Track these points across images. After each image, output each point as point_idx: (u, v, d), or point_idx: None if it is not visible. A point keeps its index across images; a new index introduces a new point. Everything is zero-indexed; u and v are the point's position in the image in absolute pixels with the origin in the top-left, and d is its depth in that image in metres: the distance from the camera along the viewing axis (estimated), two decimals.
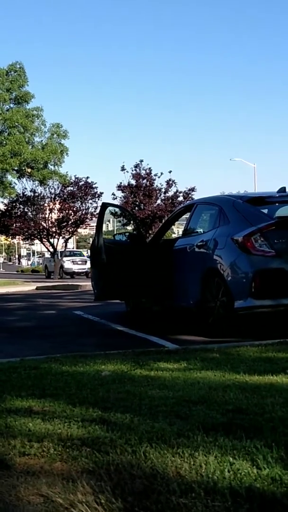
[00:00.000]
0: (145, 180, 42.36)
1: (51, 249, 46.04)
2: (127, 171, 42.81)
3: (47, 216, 45.04)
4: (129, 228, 44.65)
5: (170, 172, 43.93)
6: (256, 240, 7.88)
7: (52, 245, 45.73)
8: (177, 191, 42.90)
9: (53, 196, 45.14)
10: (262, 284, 7.77)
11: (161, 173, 43.13)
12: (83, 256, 51.75)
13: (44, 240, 45.92)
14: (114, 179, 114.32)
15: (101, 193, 45.65)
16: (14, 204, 44.96)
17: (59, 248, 46.76)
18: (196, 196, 42.07)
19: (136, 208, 42.00)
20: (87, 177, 45.39)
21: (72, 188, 44.89)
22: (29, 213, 44.87)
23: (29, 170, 40.13)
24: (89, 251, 19.08)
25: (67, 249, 48.87)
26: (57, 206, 45.10)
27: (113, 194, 43.62)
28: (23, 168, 39.93)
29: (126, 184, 42.57)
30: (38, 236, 45.75)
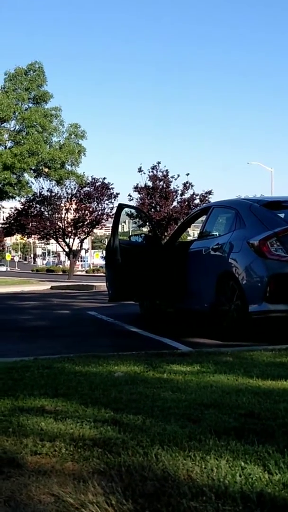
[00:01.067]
0: (161, 182, 42.38)
1: (67, 249, 46.13)
2: (144, 173, 42.87)
3: (63, 216, 45.21)
4: (145, 229, 44.66)
5: (187, 174, 44.17)
6: (272, 244, 7.86)
7: (67, 245, 45.85)
8: (193, 193, 42.92)
9: (69, 196, 45.33)
10: (277, 289, 7.75)
11: (178, 175, 43.19)
12: None
13: (59, 240, 46.05)
14: (131, 180, 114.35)
15: (118, 194, 45.84)
16: (30, 203, 45.19)
17: (74, 248, 46.83)
18: (213, 199, 42.06)
19: (152, 209, 42.04)
20: (104, 178, 45.61)
21: (88, 189, 45.05)
22: (45, 213, 45.08)
23: (46, 169, 40.33)
24: (104, 251, 19.09)
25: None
26: (73, 206, 45.26)
27: (129, 195, 43.74)
28: (41, 167, 40.13)
29: (143, 186, 42.59)
30: (54, 236, 45.92)
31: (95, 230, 53.57)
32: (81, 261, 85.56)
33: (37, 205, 45.53)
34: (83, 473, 2.79)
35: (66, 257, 48.71)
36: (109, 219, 44.67)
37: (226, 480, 2.64)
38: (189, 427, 3.44)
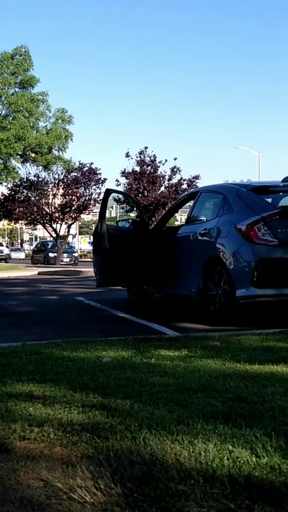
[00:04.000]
0: (149, 167, 42.31)
1: (54, 234, 46.03)
2: (132, 158, 42.79)
3: (50, 201, 45.07)
4: (132, 214, 44.67)
5: (175, 159, 43.99)
6: (260, 229, 7.87)
7: (54, 230, 45.74)
8: (181, 178, 42.90)
9: (56, 181, 45.16)
10: (264, 273, 7.76)
11: (166, 160, 43.17)
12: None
13: (47, 225, 45.93)
14: (118, 165, 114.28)
15: (105, 179, 45.75)
16: (17, 188, 45.04)
17: (62, 233, 46.73)
18: (200, 184, 42.06)
19: (140, 195, 42.00)
20: (91, 163, 45.49)
21: (76, 174, 44.92)
22: (32, 198, 44.91)
23: (33, 155, 40.17)
24: (91, 237, 19.10)
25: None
26: (61, 191, 45.14)
27: (117, 180, 43.63)
28: (27, 153, 39.96)
29: (130, 171, 42.50)
30: (41, 221, 45.80)
31: (82, 216, 53.44)
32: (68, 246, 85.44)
33: (24, 191, 45.36)
34: (72, 458, 2.80)
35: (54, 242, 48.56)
36: (97, 204, 44.59)
37: (214, 463, 2.65)
38: (177, 412, 3.45)
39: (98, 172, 45.45)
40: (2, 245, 55.51)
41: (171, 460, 2.72)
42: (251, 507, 2.27)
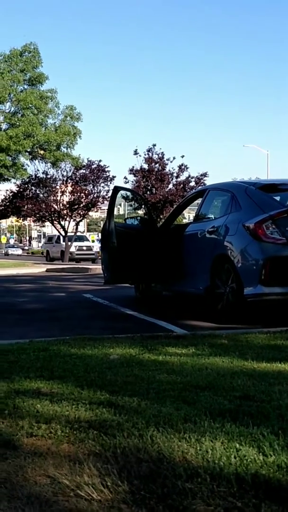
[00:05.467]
0: (157, 165, 42.23)
1: (62, 232, 46.04)
2: (140, 155, 42.71)
3: (58, 198, 45.02)
4: (140, 212, 44.61)
5: (182, 156, 43.84)
6: (268, 227, 7.86)
7: (63, 227, 45.74)
8: (189, 176, 42.78)
9: (65, 178, 45.12)
10: (272, 272, 7.75)
11: (174, 158, 43.01)
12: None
13: (55, 222, 45.93)
14: (127, 163, 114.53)
15: (113, 176, 45.62)
16: (26, 185, 45.01)
17: (70, 230, 46.72)
18: (208, 181, 41.98)
19: (148, 192, 41.92)
20: (100, 160, 45.35)
21: (84, 171, 44.85)
22: (41, 195, 44.89)
23: (41, 152, 40.18)
24: (100, 234, 19.09)
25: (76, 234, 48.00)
26: (69, 188, 45.06)
27: (125, 178, 43.48)
28: (36, 150, 39.98)
29: (138, 168, 42.44)
30: (49, 218, 45.76)
31: (90, 213, 53.40)
32: None
33: (33, 188, 45.33)
34: (79, 455, 2.81)
35: (62, 240, 48.50)
36: (105, 201, 44.48)
37: (221, 461, 2.65)
38: (184, 409, 3.45)
39: (106, 169, 45.38)
40: (87, 240, 50.52)
41: (178, 458, 2.72)
42: (258, 505, 2.27)
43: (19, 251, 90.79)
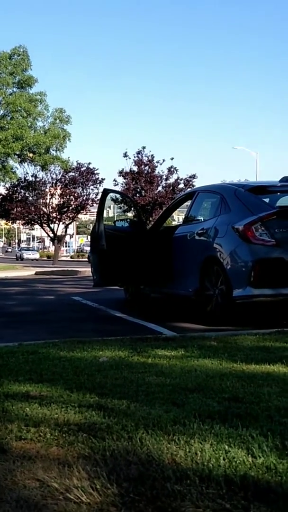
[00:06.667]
0: (146, 167, 42.32)
1: (51, 235, 46.02)
2: (130, 158, 42.79)
3: (48, 201, 45.06)
4: (130, 214, 44.66)
5: (172, 159, 44.02)
6: (257, 229, 7.87)
7: (52, 230, 45.73)
8: (178, 178, 42.89)
9: (54, 181, 45.17)
10: (262, 273, 7.77)
11: (163, 160, 43.23)
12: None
13: (44, 225, 45.91)
14: (116, 165, 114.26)
15: (103, 179, 45.78)
16: (15, 188, 45.02)
17: (59, 233, 46.72)
18: (197, 183, 42.08)
19: (137, 194, 41.99)
20: (89, 163, 45.50)
21: (73, 174, 44.91)
22: (30, 198, 44.89)
23: (30, 155, 40.15)
24: (89, 237, 19.06)
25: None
26: (58, 191, 45.15)
27: (114, 180, 43.65)
28: (25, 152, 39.93)
29: (128, 171, 42.50)
30: (39, 221, 45.79)
31: (80, 215, 53.52)
32: (66, 246, 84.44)
33: (22, 191, 45.34)
34: (68, 458, 2.80)
35: (51, 243, 48.51)
36: (94, 204, 44.58)
37: (210, 463, 2.66)
38: (174, 411, 3.45)
39: (95, 172, 45.48)
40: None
41: (167, 460, 2.72)
42: (246, 507, 2.27)
43: (36, 255, 75.87)
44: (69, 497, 2.39)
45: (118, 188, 41.49)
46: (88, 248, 43.84)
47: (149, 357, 5.27)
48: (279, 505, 2.29)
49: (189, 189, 34.52)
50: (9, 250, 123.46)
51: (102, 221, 9.67)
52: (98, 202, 10.91)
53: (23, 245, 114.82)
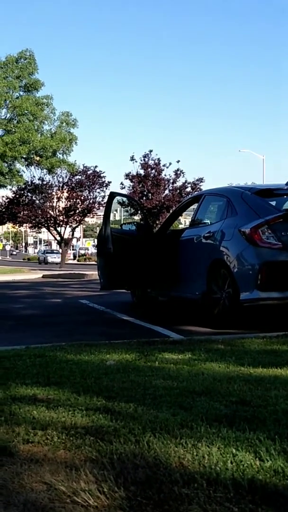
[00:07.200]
0: (153, 170, 42.31)
1: (58, 238, 46.06)
2: (136, 161, 42.79)
3: (54, 204, 45.09)
4: (136, 218, 44.65)
5: (178, 162, 43.99)
6: (264, 232, 7.87)
7: (59, 233, 45.77)
8: (185, 181, 42.87)
9: (61, 184, 45.19)
10: (269, 277, 7.76)
11: (170, 163, 43.16)
12: None
13: (51, 228, 45.96)
14: (123, 168, 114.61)
15: (109, 182, 45.74)
16: (22, 192, 45.07)
17: (66, 236, 46.77)
18: (204, 187, 42.03)
19: (144, 198, 41.97)
20: (95, 166, 45.46)
21: (80, 177, 44.92)
22: (37, 201, 44.94)
23: (37, 158, 40.22)
24: (96, 240, 19.08)
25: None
26: (65, 194, 45.15)
27: (121, 183, 43.61)
28: (32, 156, 40.01)
29: (135, 174, 42.51)
30: (45, 225, 45.81)
31: (86, 219, 53.49)
32: (73, 249, 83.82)
33: (29, 194, 45.39)
34: (75, 461, 2.80)
35: (58, 246, 48.57)
36: (101, 207, 44.56)
37: (217, 467, 2.65)
38: (181, 415, 3.45)
39: (102, 175, 45.46)
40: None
41: (175, 464, 2.72)
42: (254, 510, 2.27)
43: (57, 259, 62.19)
44: (77, 500, 2.39)
45: (124, 192, 41.51)
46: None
47: (156, 361, 5.27)
48: (287, 509, 2.28)
49: (195, 192, 34.55)
50: (14, 253, 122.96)
51: (109, 224, 9.68)
52: (104, 205, 10.90)
53: (31, 248, 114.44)
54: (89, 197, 45.47)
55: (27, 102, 38.10)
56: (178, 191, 42.18)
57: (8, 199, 45.59)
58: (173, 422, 3.30)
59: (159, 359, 5.35)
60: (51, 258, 67.16)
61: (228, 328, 7.81)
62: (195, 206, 10.46)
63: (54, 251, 72.39)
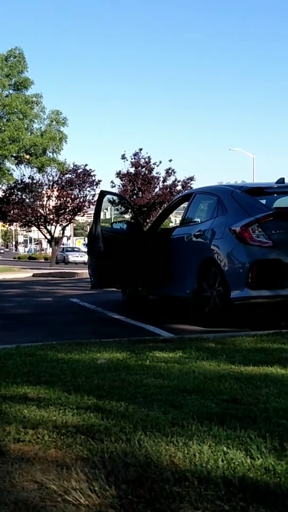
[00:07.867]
0: (144, 169, 42.27)
1: (48, 236, 45.99)
2: (127, 160, 42.75)
3: (44, 203, 44.99)
4: (127, 216, 44.64)
5: (170, 161, 43.96)
6: (254, 230, 7.88)
7: (49, 232, 45.69)
8: (175, 180, 42.86)
9: (51, 183, 45.08)
10: (259, 275, 7.77)
11: (160, 162, 43.13)
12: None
13: (41, 227, 45.87)
14: (113, 167, 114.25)
15: (99, 180, 45.67)
16: (12, 190, 44.91)
17: (56, 235, 46.67)
18: (195, 185, 42.04)
19: (135, 196, 41.94)
20: (86, 165, 45.38)
21: (70, 176, 44.84)
22: (27, 200, 44.83)
23: (27, 156, 40.11)
24: (86, 239, 19.07)
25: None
26: (55, 193, 45.06)
27: (111, 182, 43.53)
28: (22, 154, 39.89)
29: (125, 172, 42.47)
30: (36, 223, 45.72)
31: (77, 217, 53.32)
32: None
33: (19, 192, 45.25)
34: (66, 460, 2.80)
35: (48, 245, 48.46)
36: (91, 206, 44.46)
37: (208, 465, 2.65)
38: (172, 413, 3.45)
39: (92, 173, 45.40)
40: None
41: (166, 462, 2.72)
42: (245, 508, 2.27)
43: (85, 257, 51.40)
44: (68, 499, 2.38)
45: (115, 190, 41.45)
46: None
47: (147, 359, 5.27)
48: (277, 506, 2.29)
49: (186, 191, 34.56)
50: (2, 251, 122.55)
51: (99, 223, 9.67)
52: (95, 204, 10.88)
53: (21, 246, 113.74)
54: (79, 195, 45.40)
55: (16, 101, 37.97)
56: (168, 189, 42.17)
57: None
58: (164, 421, 3.30)
59: (150, 357, 5.35)
60: (73, 257, 60.45)
61: (219, 327, 7.82)
62: (185, 204, 10.47)
63: (75, 249, 66.62)
